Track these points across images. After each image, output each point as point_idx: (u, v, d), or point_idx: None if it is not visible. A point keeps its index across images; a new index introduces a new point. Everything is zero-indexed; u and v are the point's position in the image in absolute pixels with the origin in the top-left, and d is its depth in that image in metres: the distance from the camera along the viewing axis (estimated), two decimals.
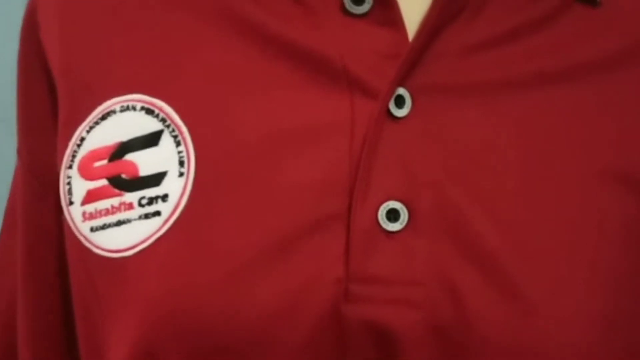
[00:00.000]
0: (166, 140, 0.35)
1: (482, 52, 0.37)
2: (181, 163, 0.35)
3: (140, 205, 0.35)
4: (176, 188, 0.35)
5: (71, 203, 0.37)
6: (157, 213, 0.35)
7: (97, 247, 0.36)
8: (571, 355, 0.33)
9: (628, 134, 0.38)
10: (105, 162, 0.36)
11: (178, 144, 0.35)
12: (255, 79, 0.36)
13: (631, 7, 0.40)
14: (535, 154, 0.36)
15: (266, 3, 0.37)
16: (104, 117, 0.37)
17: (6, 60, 0.83)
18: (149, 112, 0.36)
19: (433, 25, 0.35)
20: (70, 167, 0.38)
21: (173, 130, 0.35)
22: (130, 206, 0.35)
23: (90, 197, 0.37)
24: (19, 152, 0.45)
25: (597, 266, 0.35)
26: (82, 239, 0.37)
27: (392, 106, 0.35)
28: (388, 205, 0.34)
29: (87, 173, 0.37)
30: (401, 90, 0.35)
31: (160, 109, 0.36)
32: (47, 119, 0.42)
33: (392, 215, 0.34)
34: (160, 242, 0.34)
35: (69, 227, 0.38)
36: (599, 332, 0.33)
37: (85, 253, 0.37)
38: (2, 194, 0.91)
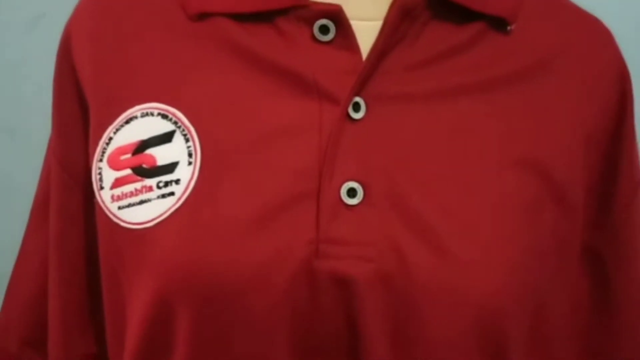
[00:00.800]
0: (178, 138, 0.46)
1: (420, 69, 0.48)
2: (190, 155, 0.45)
3: (158, 187, 0.45)
4: (186, 174, 0.45)
5: (102, 188, 0.48)
6: (172, 193, 0.45)
7: (124, 221, 0.46)
8: (481, 291, 0.43)
9: (538, 130, 0.49)
10: (129, 155, 0.47)
11: (187, 140, 0.46)
12: (247, 91, 0.47)
13: (535, 32, 0.51)
14: (462, 146, 0.47)
15: (256, 34, 0.48)
16: (127, 121, 0.48)
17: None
18: (164, 116, 0.47)
19: (380, 49, 0.46)
20: (100, 160, 0.48)
21: (183, 130, 0.46)
22: (150, 189, 0.46)
23: (118, 183, 0.47)
24: (54, 152, 0.55)
25: (504, 228, 0.45)
26: (111, 216, 0.47)
27: (350, 111, 0.46)
28: (348, 185, 0.44)
29: (114, 164, 0.47)
30: (357, 99, 0.46)
31: (173, 114, 0.46)
32: (78, 126, 0.52)
33: (351, 193, 0.44)
34: (174, 215, 0.45)
35: (100, 208, 0.48)
36: (501, 275, 0.44)
37: (114, 227, 0.47)
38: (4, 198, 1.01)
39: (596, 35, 0.54)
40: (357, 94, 0.46)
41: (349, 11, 0.47)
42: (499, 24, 0.50)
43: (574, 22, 0.54)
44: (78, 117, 0.52)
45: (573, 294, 0.53)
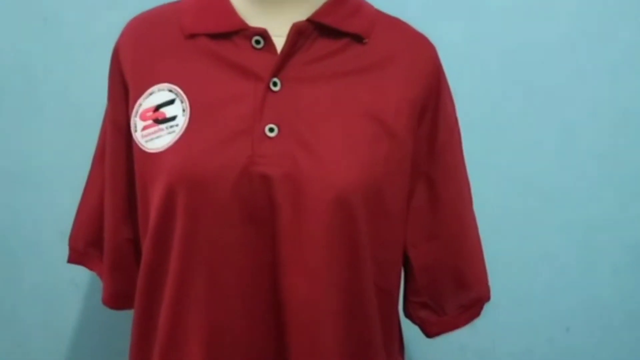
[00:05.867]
0: (177, 102, 0.82)
1: (312, 64, 0.83)
2: (183, 110, 0.81)
3: (167, 129, 0.82)
4: (181, 121, 0.81)
5: (136, 131, 0.84)
6: (174, 131, 0.81)
7: (148, 148, 0.82)
8: (340, 178, 0.77)
9: (378, 97, 0.83)
10: (151, 112, 0.83)
11: (182, 102, 0.82)
12: (216, 76, 0.82)
13: (382, 42, 0.86)
14: (335, 105, 0.82)
15: (222, 45, 0.82)
16: (150, 94, 0.84)
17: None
18: (170, 90, 0.83)
19: (285, 53, 0.81)
20: (135, 116, 0.84)
21: (180, 97, 0.82)
22: (162, 130, 0.82)
23: (145, 128, 0.83)
24: (107, 115, 0.92)
25: (356, 146, 0.79)
26: (141, 146, 0.83)
27: (271, 86, 0.81)
28: (269, 126, 0.80)
29: (143, 117, 0.84)
30: (275, 79, 0.81)
31: (175, 89, 0.83)
32: (122, 98, 0.88)
33: (271, 130, 0.80)
34: (176, 143, 0.80)
35: (135, 142, 0.84)
36: (352, 169, 0.78)
37: (143, 152, 0.83)
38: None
39: (420, 45, 0.90)
40: (275, 76, 0.82)
41: (271, 31, 0.83)
42: (358, 38, 0.86)
43: (407, 36, 0.90)
44: (122, 93, 0.88)
45: (407, 192, 0.88)
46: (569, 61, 1.33)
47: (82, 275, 1.34)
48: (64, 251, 1.01)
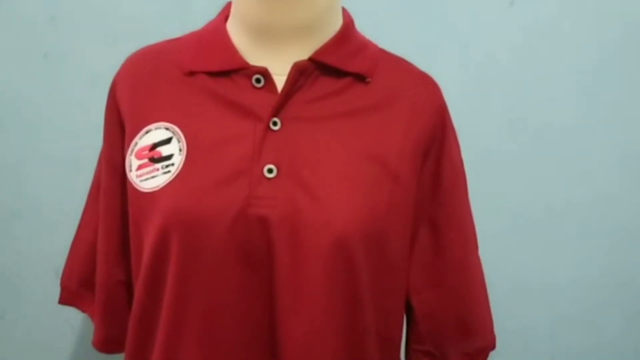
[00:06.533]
0: (174, 141, 0.80)
1: (313, 103, 0.81)
2: (180, 150, 0.80)
3: (162, 168, 0.80)
4: (178, 160, 0.79)
5: (131, 170, 0.82)
6: (169, 171, 0.79)
7: (143, 188, 0.80)
8: (338, 222, 0.75)
9: (381, 138, 0.81)
10: (147, 151, 0.81)
11: (178, 141, 0.80)
12: (214, 115, 0.80)
13: (385, 82, 0.84)
14: (336, 146, 0.80)
15: (221, 83, 0.81)
16: (146, 132, 0.82)
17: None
18: (167, 129, 0.81)
19: (285, 92, 0.80)
20: (131, 155, 0.82)
21: (177, 136, 0.80)
22: (157, 169, 0.80)
23: (140, 167, 0.81)
24: (103, 154, 0.90)
25: (355, 189, 0.77)
26: (135, 185, 0.81)
27: (271, 125, 0.80)
28: (268, 167, 0.78)
29: (138, 156, 0.82)
30: (275, 119, 0.80)
31: (172, 128, 0.81)
32: (118, 137, 0.86)
33: (270, 171, 0.78)
34: (170, 183, 0.78)
35: (129, 182, 0.82)
36: (351, 214, 0.76)
37: (137, 192, 0.81)
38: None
39: (424, 85, 0.88)
40: (275, 116, 0.80)
41: (271, 70, 0.81)
42: (361, 77, 0.84)
43: (411, 76, 0.88)
44: (118, 131, 0.86)
45: (410, 236, 0.85)
46: (577, 104, 1.31)
47: (77, 315, 1.30)
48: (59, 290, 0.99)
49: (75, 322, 1.37)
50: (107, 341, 0.93)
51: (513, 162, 1.33)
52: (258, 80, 0.81)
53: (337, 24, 0.85)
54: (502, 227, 1.34)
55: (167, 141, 0.80)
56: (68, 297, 0.99)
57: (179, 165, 0.79)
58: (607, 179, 1.35)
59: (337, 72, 0.83)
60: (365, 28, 0.90)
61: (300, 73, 0.81)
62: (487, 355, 0.96)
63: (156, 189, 0.79)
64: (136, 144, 0.82)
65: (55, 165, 1.30)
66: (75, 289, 0.97)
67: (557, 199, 1.35)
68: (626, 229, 1.37)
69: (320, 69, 0.82)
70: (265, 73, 0.81)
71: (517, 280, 1.38)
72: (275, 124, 0.80)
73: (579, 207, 1.36)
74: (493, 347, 0.96)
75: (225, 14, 0.88)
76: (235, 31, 0.84)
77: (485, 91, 1.29)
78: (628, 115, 1.32)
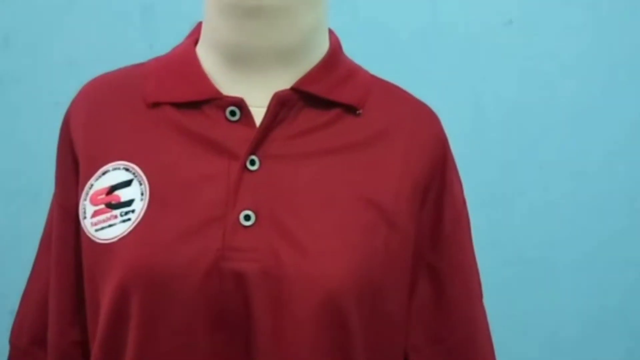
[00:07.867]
0: (135, 183, 0.69)
1: (297, 138, 0.71)
2: (142, 194, 0.69)
3: (121, 215, 0.69)
4: (139, 207, 0.68)
5: (85, 217, 0.71)
6: (129, 219, 0.68)
7: (98, 238, 0.69)
8: (328, 277, 0.65)
9: (374, 177, 0.72)
10: (103, 195, 0.70)
11: (140, 184, 0.69)
12: (182, 153, 0.70)
13: (379, 113, 0.75)
14: (322, 187, 0.70)
15: (189, 116, 0.71)
16: (103, 173, 0.71)
17: None
18: (127, 169, 0.70)
19: (265, 126, 0.70)
20: (85, 199, 0.71)
21: (138, 178, 0.69)
22: (115, 217, 0.69)
23: (95, 214, 0.70)
24: (56, 197, 0.78)
25: (346, 238, 0.67)
26: (90, 235, 0.70)
27: (248, 164, 0.69)
28: (244, 213, 0.67)
29: (94, 201, 0.71)
30: (253, 157, 0.70)
31: (133, 168, 0.70)
32: (72, 177, 0.75)
33: (247, 218, 0.67)
34: (131, 233, 0.67)
35: (83, 230, 0.71)
36: (342, 267, 0.66)
37: (92, 243, 0.70)
38: None
39: (422, 116, 0.78)
40: (253, 154, 0.70)
41: (248, 100, 0.71)
42: (351, 109, 0.74)
43: (407, 107, 0.78)
44: (72, 171, 0.75)
45: (408, 288, 0.75)
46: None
47: None
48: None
49: None
50: None
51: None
52: (233, 113, 0.71)
53: (323, 47, 0.76)
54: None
55: (127, 184, 0.70)
56: (18, 356, 0.87)
57: (140, 212, 0.68)
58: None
59: (323, 103, 0.73)
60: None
61: (282, 104, 0.71)
62: None
63: (114, 239, 0.68)
64: (91, 186, 0.71)
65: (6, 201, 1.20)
66: (25, 348, 0.85)
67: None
68: None
69: (305, 100, 0.72)
70: (241, 104, 0.71)
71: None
72: (252, 163, 0.69)
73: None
74: None
75: (195, 36, 0.77)
76: (206, 56, 0.74)
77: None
78: None
